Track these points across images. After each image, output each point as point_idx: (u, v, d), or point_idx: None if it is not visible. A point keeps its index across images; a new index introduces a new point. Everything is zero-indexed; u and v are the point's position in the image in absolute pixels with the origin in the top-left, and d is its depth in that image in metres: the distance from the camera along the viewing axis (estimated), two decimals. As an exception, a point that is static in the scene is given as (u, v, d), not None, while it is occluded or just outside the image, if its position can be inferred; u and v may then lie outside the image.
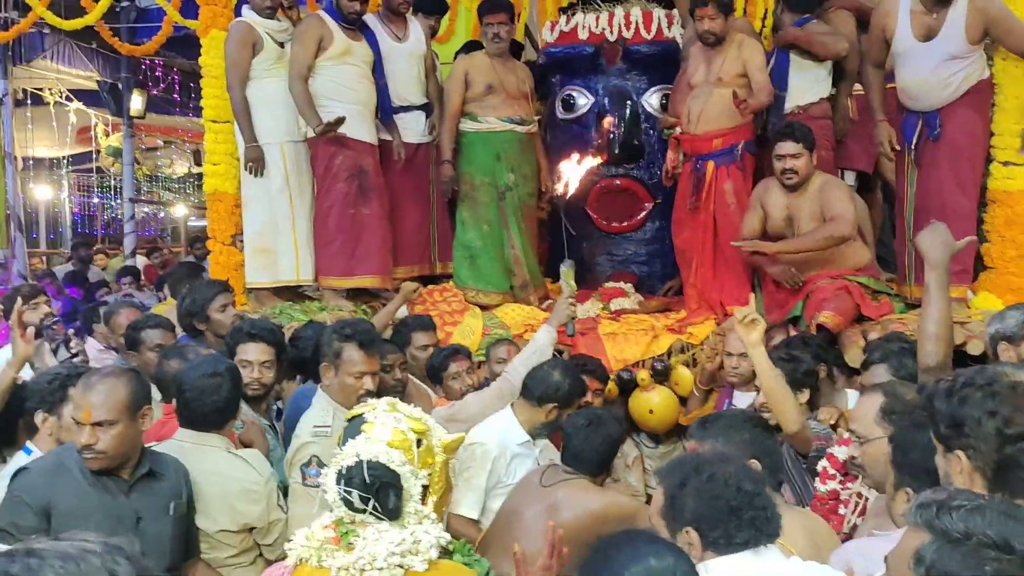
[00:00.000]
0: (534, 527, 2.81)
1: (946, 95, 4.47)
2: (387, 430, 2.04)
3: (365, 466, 1.97)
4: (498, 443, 3.51)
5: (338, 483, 1.99)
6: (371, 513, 1.96)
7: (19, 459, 2.93)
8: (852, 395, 3.93)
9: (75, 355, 4.16)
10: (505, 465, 3.52)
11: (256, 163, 5.24)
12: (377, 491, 1.97)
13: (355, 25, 5.28)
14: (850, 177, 5.58)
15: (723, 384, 4.38)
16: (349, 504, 1.97)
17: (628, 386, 4.76)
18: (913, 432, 2.21)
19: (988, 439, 1.72)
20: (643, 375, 4.73)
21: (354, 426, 2.09)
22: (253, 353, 3.63)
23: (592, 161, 4.43)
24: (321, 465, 3.06)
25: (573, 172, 4.38)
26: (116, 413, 2.58)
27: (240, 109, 5.21)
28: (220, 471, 2.93)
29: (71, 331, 4.47)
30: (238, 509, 2.95)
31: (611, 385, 4.72)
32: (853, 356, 4.20)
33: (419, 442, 2.08)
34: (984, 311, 4.52)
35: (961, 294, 4.63)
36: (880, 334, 4.33)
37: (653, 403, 4.60)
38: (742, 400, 4.11)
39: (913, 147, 4.59)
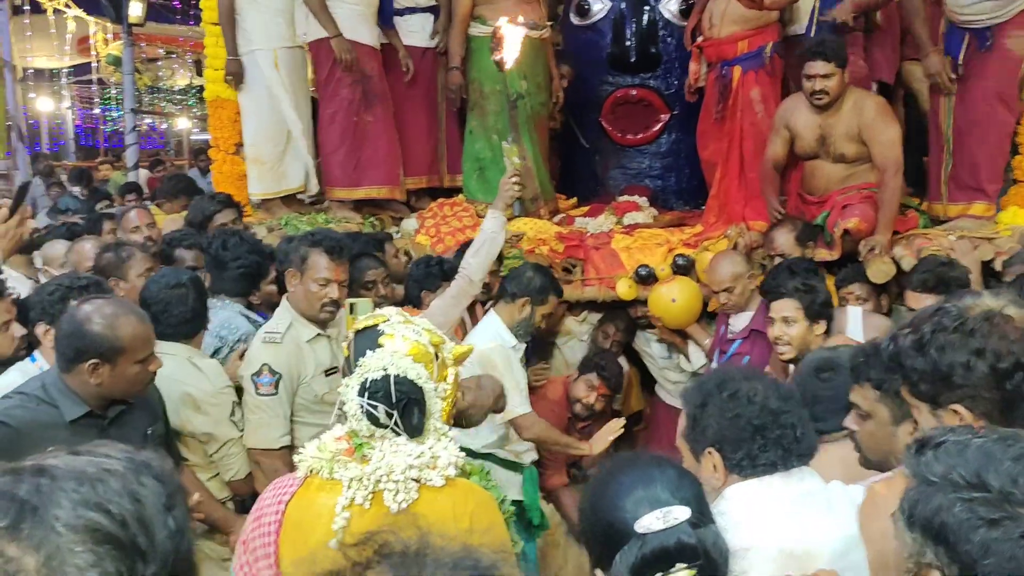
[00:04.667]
0: None
1: (999, 15, 4.24)
2: (408, 343, 1.95)
3: (392, 381, 1.88)
4: (505, 344, 3.59)
5: (361, 395, 1.89)
6: (392, 429, 1.88)
7: (25, 367, 2.84)
8: (853, 313, 3.76)
9: None
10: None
11: (235, 77, 5.07)
12: (404, 407, 1.89)
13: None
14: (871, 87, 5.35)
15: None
16: (372, 418, 1.88)
17: (647, 281, 4.61)
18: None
19: (983, 382, 1.55)
20: (664, 267, 4.61)
21: (368, 337, 1.99)
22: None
23: (524, 22, 4.10)
24: (273, 373, 3.01)
25: (511, 33, 4.10)
26: None
27: (226, 16, 4.99)
28: (172, 375, 2.84)
29: None
30: (180, 414, 2.89)
31: (630, 284, 4.61)
32: (877, 270, 4.07)
33: (436, 355, 1.99)
34: (1013, 227, 4.38)
35: (989, 211, 4.47)
36: (905, 248, 4.20)
37: (676, 292, 4.40)
38: (738, 323, 4.03)
39: (961, 61, 4.35)
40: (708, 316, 4.57)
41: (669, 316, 4.50)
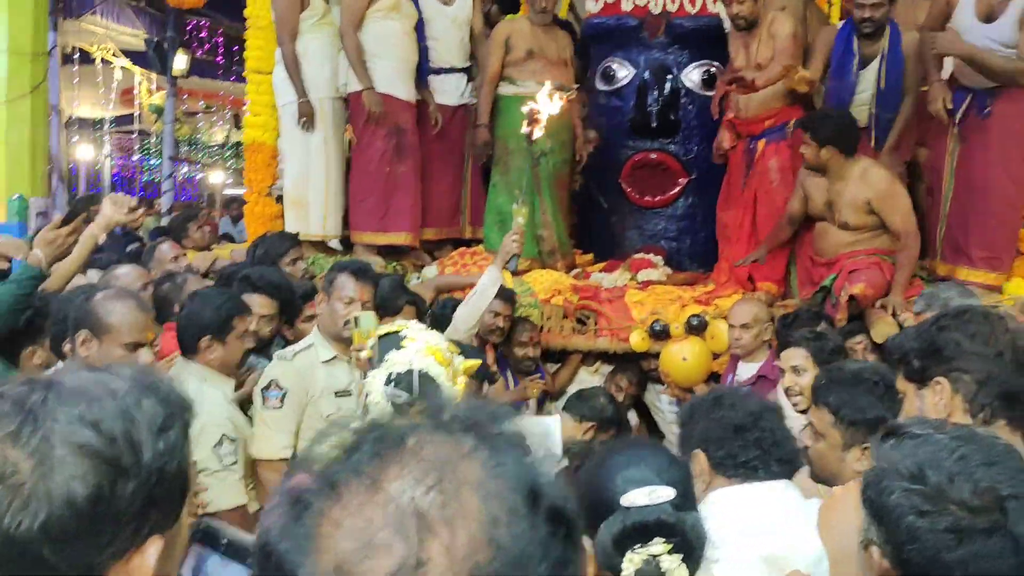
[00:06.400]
0: None
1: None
2: (429, 345, 2.14)
3: (416, 374, 2.06)
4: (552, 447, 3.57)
5: (387, 385, 2.07)
6: None
7: None
8: None
9: None
10: None
11: (310, 118, 5.32)
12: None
13: (404, -19, 5.35)
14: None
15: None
16: (396, 407, 2.05)
17: (661, 337, 4.73)
18: (850, 386, 2.16)
19: (970, 359, 1.72)
20: (677, 325, 4.73)
21: (392, 340, 2.16)
22: (254, 305, 3.56)
23: (559, 98, 4.36)
24: (279, 387, 3.14)
25: (545, 106, 4.32)
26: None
27: (291, 63, 5.29)
28: None
29: None
30: None
31: (643, 336, 4.73)
32: (880, 331, 4.19)
33: (451, 362, 2.17)
34: (1016, 296, 4.49)
35: (993, 280, 4.59)
36: (908, 312, 4.31)
37: (687, 351, 4.54)
38: (745, 371, 4.14)
39: (958, 122, 4.54)
40: (714, 379, 4.70)
41: (679, 373, 4.63)
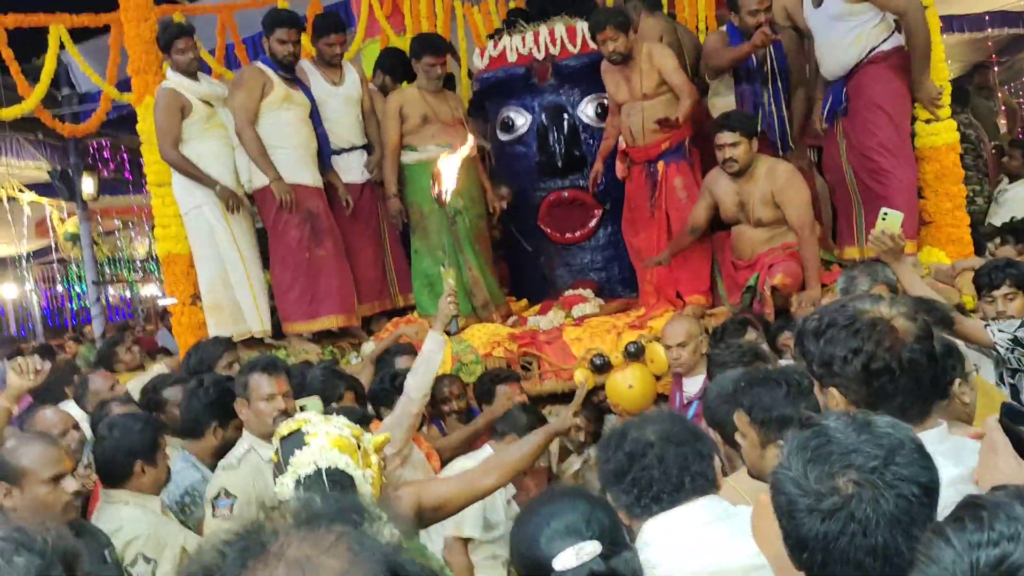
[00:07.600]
0: None
1: (849, 58, 4.66)
2: (331, 437, 2.10)
3: (324, 474, 2.02)
4: None
5: (296, 490, 2.03)
6: None
7: None
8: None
9: None
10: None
11: (233, 200, 5.29)
12: None
13: (291, 71, 5.40)
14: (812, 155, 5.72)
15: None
16: None
17: (603, 369, 4.80)
18: (761, 387, 2.23)
19: (856, 376, 1.74)
20: (616, 355, 4.80)
21: (295, 439, 2.11)
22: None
23: (463, 151, 4.47)
24: (228, 496, 3.08)
25: (447, 168, 4.41)
26: None
27: (182, 166, 5.26)
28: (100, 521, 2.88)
29: None
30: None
31: (587, 372, 4.78)
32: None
33: (358, 445, 2.14)
34: (931, 265, 4.65)
35: (911, 249, 4.74)
36: (830, 299, 4.43)
37: (631, 378, 4.62)
38: (691, 386, 4.20)
39: (829, 118, 4.78)
40: (662, 399, 4.76)
41: (627, 402, 4.70)
